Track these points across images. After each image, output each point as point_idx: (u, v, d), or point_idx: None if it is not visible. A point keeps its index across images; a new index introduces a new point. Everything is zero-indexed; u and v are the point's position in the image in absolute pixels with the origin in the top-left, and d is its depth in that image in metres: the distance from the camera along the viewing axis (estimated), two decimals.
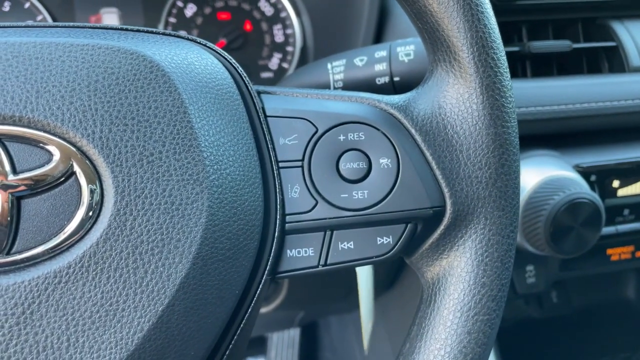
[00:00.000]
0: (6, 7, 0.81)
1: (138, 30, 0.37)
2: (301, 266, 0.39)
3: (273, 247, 0.38)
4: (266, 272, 0.38)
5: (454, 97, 0.39)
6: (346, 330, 1.24)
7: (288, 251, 0.39)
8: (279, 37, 0.89)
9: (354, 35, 0.74)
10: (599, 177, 0.70)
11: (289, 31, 0.88)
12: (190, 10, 0.86)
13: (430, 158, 0.39)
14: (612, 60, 0.76)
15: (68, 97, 0.32)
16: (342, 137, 0.39)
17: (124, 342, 0.32)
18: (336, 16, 0.80)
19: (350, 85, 0.56)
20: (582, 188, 0.63)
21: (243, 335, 0.38)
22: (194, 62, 0.36)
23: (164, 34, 0.38)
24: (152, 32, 0.38)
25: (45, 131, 0.32)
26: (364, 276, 0.80)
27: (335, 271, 0.39)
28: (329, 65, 0.57)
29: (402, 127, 0.40)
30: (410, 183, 0.39)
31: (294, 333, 1.30)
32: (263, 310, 0.98)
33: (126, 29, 0.37)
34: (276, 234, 0.38)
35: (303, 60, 0.89)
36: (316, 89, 0.42)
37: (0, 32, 0.33)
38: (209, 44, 0.39)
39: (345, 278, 0.91)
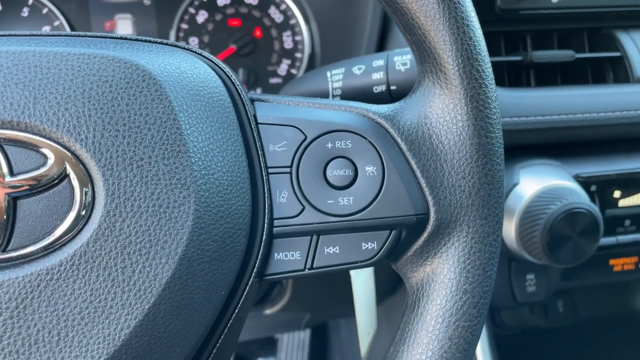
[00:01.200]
0: (25, 12, 0.84)
1: (136, 40, 0.39)
2: (288, 269, 0.40)
3: (260, 250, 0.39)
4: (253, 274, 0.39)
5: (440, 108, 0.40)
6: (355, 334, 1.25)
7: (275, 254, 0.40)
8: (288, 44, 0.90)
9: (357, 43, 0.75)
10: (599, 188, 0.70)
11: (298, 38, 0.90)
12: (201, 16, 0.88)
13: (415, 167, 0.40)
14: (617, 71, 0.76)
15: (63, 104, 0.34)
16: (329, 145, 0.40)
17: (112, 337, 0.34)
18: (342, 24, 0.82)
19: (349, 93, 0.57)
20: (580, 198, 0.64)
21: (230, 335, 0.40)
22: (186, 70, 0.38)
23: (160, 43, 0.40)
24: (149, 42, 0.39)
25: (41, 135, 0.34)
26: (364, 282, 0.81)
27: (322, 275, 0.41)
28: (329, 74, 0.58)
29: (389, 136, 0.41)
30: (394, 190, 0.40)
31: (304, 335, 1.31)
32: (268, 311, 0.99)
33: (124, 38, 0.39)
34: (264, 238, 0.39)
35: (311, 67, 0.90)
36: (308, 98, 0.43)
37: (4, 40, 0.35)
38: (204, 53, 0.41)
39: (348, 281, 0.92)
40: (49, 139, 0.34)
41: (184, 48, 0.40)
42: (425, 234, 0.40)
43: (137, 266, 0.34)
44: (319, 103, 0.42)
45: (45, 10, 0.84)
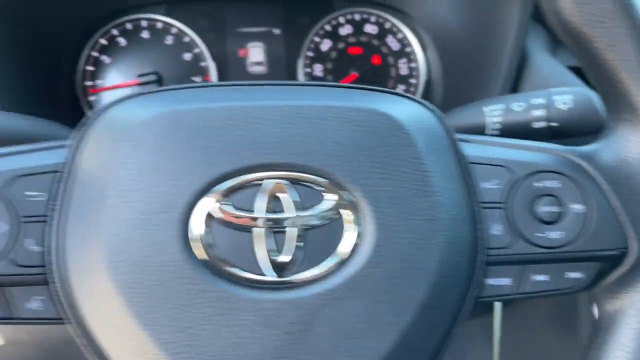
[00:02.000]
0: (169, 40, 0.91)
1: (373, 90, 0.45)
2: (499, 293, 0.46)
3: (478, 277, 0.44)
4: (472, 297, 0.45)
5: (637, 152, 0.45)
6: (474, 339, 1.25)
7: (490, 280, 0.45)
8: (403, 70, 0.96)
9: (491, 80, 0.80)
10: None
11: (413, 65, 0.96)
12: (325, 45, 0.95)
13: (616, 204, 0.45)
14: None
15: (342, 152, 0.40)
16: (537, 184, 0.45)
17: (377, 349, 0.39)
18: (470, 56, 0.87)
19: (508, 128, 0.62)
20: None
21: (447, 347, 0.45)
22: (420, 117, 0.44)
23: (392, 93, 0.46)
24: (385, 92, 0.45)
25: (323, 177, 0.40)
26: None
27: (527, 299, 0.46)
28: (485, 109, 0.64)
29: (590, 175, 0.46)
30: (598, 226, 0.45)
31: None
32: None
33: (362, 89, 0.45)
34: (482, 265, 0.45)
35: (428, 92, 0.96)
36: (507, 139, 0.48)
37: (285, 93, 0.42)
38: (422, 101, 0.47)
39: None
40: (330, 180, 0.40)
41: (407, 97, 0.46)
42: (627, 266, 0.45)
43: (397, 289, 0.40)
44: (521, 145, 0.48)
45: (186, 39, 0.92)
